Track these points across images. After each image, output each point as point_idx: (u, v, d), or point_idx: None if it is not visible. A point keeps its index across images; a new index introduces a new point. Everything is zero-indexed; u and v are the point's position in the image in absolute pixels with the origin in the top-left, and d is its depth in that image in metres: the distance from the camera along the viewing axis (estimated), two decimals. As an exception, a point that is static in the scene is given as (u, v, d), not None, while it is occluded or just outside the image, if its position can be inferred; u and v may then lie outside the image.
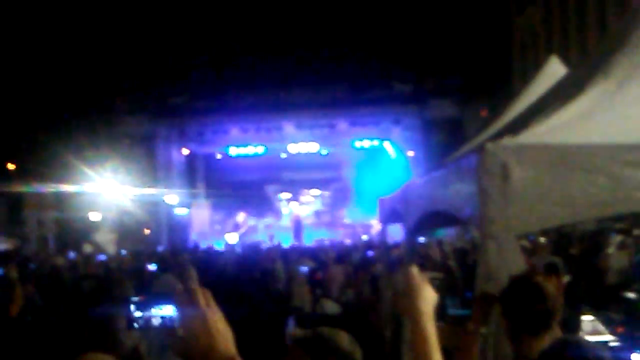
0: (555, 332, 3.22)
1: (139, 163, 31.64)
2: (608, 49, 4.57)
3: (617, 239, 13.22)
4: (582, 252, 12.86)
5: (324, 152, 32.76)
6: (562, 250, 12.97)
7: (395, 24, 35.12)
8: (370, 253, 13.57)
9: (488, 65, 32.85)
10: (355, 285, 9.37)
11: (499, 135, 4.35)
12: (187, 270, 8.33)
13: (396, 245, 11.20)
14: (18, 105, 33.86)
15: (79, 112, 33.72)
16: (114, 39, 35.04)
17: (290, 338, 2.50)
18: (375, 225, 26.17)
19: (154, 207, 31.87)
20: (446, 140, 29.15)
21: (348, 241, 25.36)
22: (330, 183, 35.04)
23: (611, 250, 12.11)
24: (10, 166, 34.07)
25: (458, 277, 10.01)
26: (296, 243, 26.78)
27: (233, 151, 33.07)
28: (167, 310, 1.87)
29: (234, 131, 32.44)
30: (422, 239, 14.69)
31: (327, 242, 23.57)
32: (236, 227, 31.89)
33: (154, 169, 32.62)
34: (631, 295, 8.71)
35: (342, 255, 13.71)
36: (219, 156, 33.91)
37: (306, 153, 32.49)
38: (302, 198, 35.00)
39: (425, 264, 10.62)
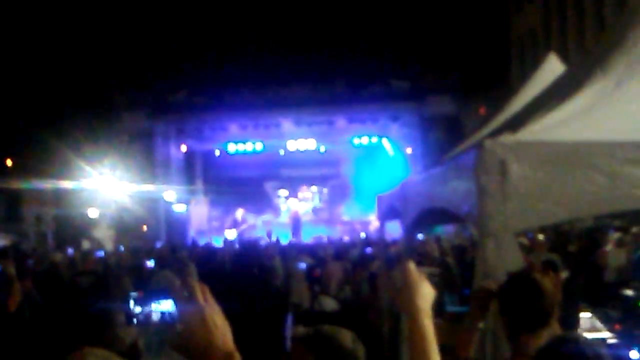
0: (554, 329, 3.23)
1: (137, 159, 31.60)
2: (606, 47, 4.57)
3: (615, 236, 13.24)
4: (580, 249, 12.88)
5: (323, 149, 32.74)
6: (560, 248, 12.98)
7: (394, 22, 35.13)
8: (368, 250, 13.57)
9: (486, 62, 32.87)
10: (353, 282, 9.37)
11: (497, 132, 4.36)
12: (186, 267, 8.34)
13: (394, 242, 11.21)
14: (16, 101, 33.83)
15: (77, 108, 33.67)
16: (112, 35, 35.01)
17: (292, 336, 2.50)
18: (374, 222, 26.20)
19: (153, 204, 31.84)
20: (444, 138, 29.13)
21: (346, 238, 25.35)
22: (328, 180, 35.01)
23: (609, 247, 12.12)
24: (9, 162, 34.05)
25: (456, 273, 10.02)
26: (294, 240, 26.76)
27: (231, 148, 33.05)
28: (166, 306, 1.87)
29: (233, 128, 32.39)
30: (420, 236, 14.69)
31: (325, 239, 23.54)
32: (235, 224, 31.87)
33: (152, 166, 32.59)
34: (629, 292, 8.72)
35: (341, 252, 13.71)
36: (217, 153, 33.88)
37: (304, 150, 32.47)
38: (301, 195, 34.97)
39: (423, 261, 10.63)
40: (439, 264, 10.91)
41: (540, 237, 11.68)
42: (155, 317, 1.88)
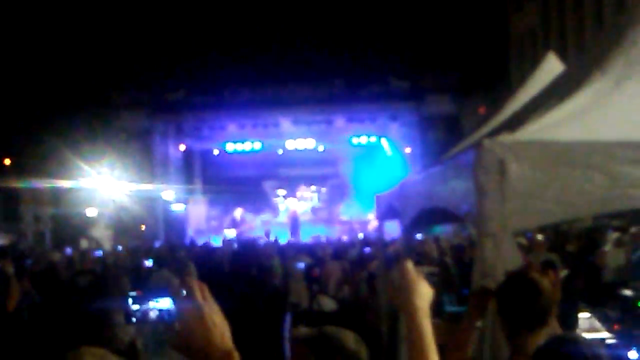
0: (554, 329, 3.22)
1: (136, 159, 31.62)
2: (605, 46, 4.57)
3: (613, 236, 13.24)
4: (578, 249, 12.89)
5: (321, 148, 32.75)
6: (558, 248, 12.99)
7: (393, 21, 35.15)
8: (367, 250, 13.57)
9: (485, 61, 32.89)
10: (352, 281, 9.38)
11: (496, 132, 4.35)
12: (186, 266, 8.34)
13: (393, 242, 11.20)
14: (14, 100, 33.81)
15: (75, 107, 33.68)
16: (111, 34, 35.00)
17: (294, 336, 2.50)
18: (372, 221, 26.17)
19: (151, 203, 31.84)
20: (443, 137, 29.17)
21: (345, 238, 25.34)
22: (327, 179, 34.99)
23: (608, 247, 12.13)
24: (7, 161, 34.02)
25: (454, 273, 10.03)
26: (293, 239, 26.75)
27: (230, 147, 33.06)
28: (164, 304, 1.87)
29: (231, 127, 32.41)
30: (419, 236, 14.70)
31: (323, 239, 23.51)
32: (234, 223, 31.85)
33: (150, 165, 32.59)
34: (628, 292, 8.73)
35: (339, 251, 13.71)
36: (216, 152, 33.87)
37: (303, 149, 32.49)
38: (299, 194, 34.95)
39: (422, 261, 10.63)
40: (438, 263, 10.92)
41: (540, 237, 11.68)
42: (153, 315, 1.88)
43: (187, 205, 33.18)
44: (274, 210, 34.97)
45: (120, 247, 21.38)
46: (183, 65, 36.06)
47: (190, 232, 31.80)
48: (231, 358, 1.71)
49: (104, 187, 30.10)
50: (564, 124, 3.89)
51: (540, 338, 2.94)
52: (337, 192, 34.42)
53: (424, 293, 2.37)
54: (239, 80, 34.04)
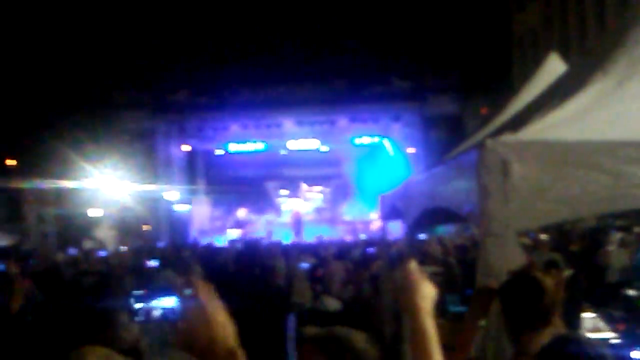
0: (559, 328, 3.22)
1: (139, 159, 31.65)
2: (608, 46, 4.57)
3: (617, 236, 13.21)
4: (582, 249, 12.86)
5: (324, 148, 32.75)
6: (562, 248, 12.97)
7: (395, 21, 35.13)
8: (370, 250, 13.57)
9: (488, 62, 32.86)
10: (355, 281, 9.36)
11: (499, 131, 4.35)
12: (190, 266, 8.34)
13: (396, 242, 11.19)
14: (18, 101, 33.86)
15: (79, 108, 33.71)
16: (113, 34, 35.03)
17: (303, 336, 2.49)
18: (376, 221, 26.17)
19: (154, 204, 31.88)
20: (446, 137, 29.15)
21: (349, 238, 25.34)
22: (330, 180, 35.02)
23: (612, 247, 12.11)
24: (10, 162, 34.06)
25: (457, 273, 10.02)
26: (296, 240, 26.76)
27: (233, 147, 33.08)
28: (167, 303, 1.88)
29: (234, 127, 32.43)
30: (422, 236, 14.68)
31: (326, 240, 23.50)
32: (238, 224, 31.87)
33: (154, 165, 32.63)
34: (632, 292, 8.72)
35: (343, 251, 13.71)
36: (219, 152, 33.88)
37: (306, 150, 32.49)
38: (302, 194, 34.97)
39: (425, 261, 10.62)
40: (441, 263, 10.91)
41: (543, 237, 11.66)
42: (157, 314, 1.89)
43: (191, 205, 33.21)
44: (277, 210, 34.99)
45: (123, 248, 21.38)
46: (186, 65, 36.09)
47: (193, 232, 31.83)
48: (236, 356, 1.72)
49: (107, 187, 30.12)
50: (566, 123, 3.89)
51: (544, 338, 2.94)
52: (340, 192, 34.44)
53: (427, 293, 2.37)
54: (241, 80, 34.06)
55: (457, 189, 4.23)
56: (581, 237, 14.46)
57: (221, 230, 32.07)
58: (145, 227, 31.88)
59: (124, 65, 34.91)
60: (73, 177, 28.67)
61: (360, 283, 9.00)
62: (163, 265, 11.48)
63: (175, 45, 36.18)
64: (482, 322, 3.50)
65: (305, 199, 34.91)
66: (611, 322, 7.02)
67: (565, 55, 6.51)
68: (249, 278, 10.88)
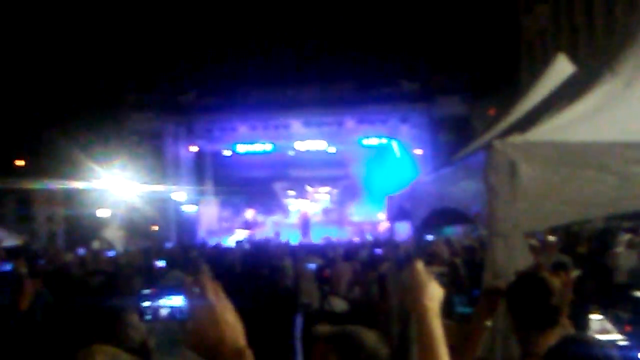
0: (566, 329, 3.22)
1: (147, 160, 31.73)
2: (616, 47, 4.56)
3: (625, 237, 13.16)
4: (590, 251, 12.83)
5: (332, 150, 32.75)
6: (570, 249, 12.93)
7: (404, 23, 35.11)
8: (377, 251, 13.57)
9: (496, 63, 32.80)
10: (362, 282, 9.37)
11: (507, 133, 4.35)
12: (199, 266, 8.35)
13: (404, 243, 11.19)
14: (26, 102, 34.00)
15: (87, 109, 33.83)
16: (122, 36, 35.14)
17: (315, 334, 2.50)
18: (383, 222, 26.15)
19: (163, 204, 31.95)
20: (454, 139, 29.12)
21: (356, 239, 25.35)
22: (338, 181, 35.03)
23: (620, 249, 12.07)
24: (19, 163, 34.22)
25: (463, 274, 10.00)
26: (304, 240, 26.78)
27: (241, 148, 33.13)
28: (176, 302, 1.88)
29: (242, 128, 32.48)
30: (430, 237, 14.67)
31: (334, 240, 23.51)
32: (246, 224, 31.91)
33: (162, 166, 32.71)
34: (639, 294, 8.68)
35: (350, 252, 13.71)
36: (227, 153, 33.92)
37: (314, 151, 32.50)
38: (310, 195, 34.99)
39: (433, 261, 10.61)
40: (448, 264, 10.90)
41: (551, 238, 11.63)
42: (165, 313, 1.89)
43: (199, 206, 33.27)
44: (285, 211, 35.02)
45: (132, 248, 21.43)
46: (194, 67, 36.20)
47: (201, 233, 31.89)
48: (244, 356, 1.71)
49: (116, 188, 30.22)
50: (574, 125, 3.89)
51: (552, 338, 2.94)
52: (348, 193, 34.44)
53: (434, 293, 2.38)
54: (250, 81, 34.16)
55: (465, 190, 4.23)
56: (589, 239, 14.43)
57: (229, 230, 32.12)
58: (153, 228, 31.95)
59: (132, 66, 35.03)
60: (82, 177, 28.77)
61: (368, 284, 9.01)
62: (171, 265, 11.50)
63: (183, 47, 36.29)
64: (489, 323, 3.49)
65: (313, 200, 34.92)
66: (619, 323, 6.98)
67: (574, 57, 6.50)
68: (257, 278, 10.91)
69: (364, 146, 32.60)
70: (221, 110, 33.07)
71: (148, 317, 1.94)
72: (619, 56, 4.25)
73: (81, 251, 18.39)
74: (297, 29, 35.75)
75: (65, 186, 29.54)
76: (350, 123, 31.86)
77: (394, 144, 32.16)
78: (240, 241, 24.02)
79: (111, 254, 17.12)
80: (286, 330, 6.63)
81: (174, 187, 31.87)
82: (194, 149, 33.67)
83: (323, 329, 2.53)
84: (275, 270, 10.51)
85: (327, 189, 35.45)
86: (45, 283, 8.05)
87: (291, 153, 33.22)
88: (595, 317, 6.87)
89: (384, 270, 8.81)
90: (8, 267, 11.36)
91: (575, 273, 8.29)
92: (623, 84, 4.04)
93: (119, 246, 25.25)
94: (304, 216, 31.73)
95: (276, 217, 33.84)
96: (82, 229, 31.13)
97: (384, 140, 32.33)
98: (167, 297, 1.91)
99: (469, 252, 12.61)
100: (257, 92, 33.44)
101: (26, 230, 30.58)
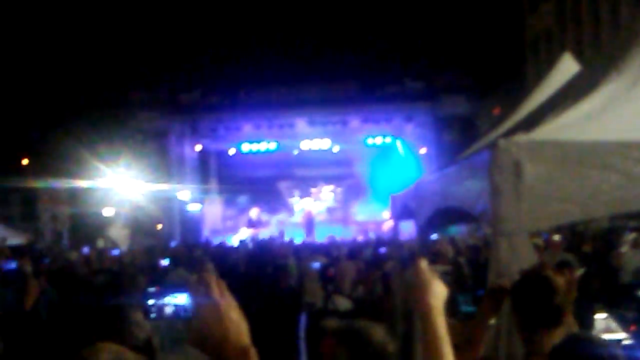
0: (571, 328, 3.21)
1: (152, 159, 31.74)
2: (621, 47, 4.55)
3: (630, 237, 13.15)
4: (595, 250, 12.81)
5: (336, 148, 32.75)
6: (575, 248, 12.92)
7: (408, 22, 35.09)
8: (381, 250, 13.58)
9: (501, 62, 32.77)
10: (366, 281, 9.37)
11: (512, 132, 4.35)
12: (203, 264, 8.37)
13: (408, 242, 11.19)
14: (31, 101, 34.08)
15: (92, 108, 33.90)
16: (126, 35, 35.19)
17: (324, 329, 2.50)
18: (388, 221, 26.13)
19: (167, 203, 31.97)
20: (459, 138, 29.10)
21: (360, 238, 25.33)
22: (342, 180, 34.99)
23: (625, 249, 12.06)
24: (25, 161, 34.30)
25: (467, 273, 10.00)
26: (308, 239, 26.77)
27: (245, 147, 33.12)
28: (180, 300, 1.89)
29: (247, 127, 32.47)
30: (434, 236, 14.67)
31: (338, 239, 23.49)
32: (251, 223, 31.92)
33: (166, 165, 32.71)
34: (644, 294, 8.68)
35: (354, 251, 13.72)
36: (231, 152, 33.91)
37: (318, 150, 32.50)
38: (315, 194, 34.97)
39: (437, 261, 10.61)
40: (452, 263, 10.90)
41: (556, 237, 11.62)
42: (170, 311, 1.90)
43: (203, 205, 33.30)
44: (289, 210, 35.01)
45: (136, 247, 21.47)
46: (199, 65, 36.22)
47: (206, 232, 31.91)
48: (248, 354, 1.71)
49: (120, 187, 30.26)
50: (580, 124, 3.88)
51: (556, 337, 2.93)
52: (353, 192, 34.40)
53: (438, 292, 2.38)
54: (254, 80, 34.16)
55: (470, 189, 4.22)
56: (594, 238, 14.42)
57: (233, 229, 32.13)
58: (157, 227, 32.00)
59: (137, 65, 35.09)
60: (87, 176, 28.83)
61: (372, 283, 9.01)
62: (175, 264, 11.53)
63: (188, 46, 36.33)
64: (492, 321, 3.49)
65: (317, 199, 34.90)
66: (623, 323, 6.99)
67: (579, 56, 6.49)
68: (261, 277, 10.93)
69: (368, 145, 32.57)
70: (225, 109, 33.07)
71: (152, 315, 1.95)
72: (625, 55, 4.24)
73: (86, 250, 18.44)
74: (301, 28, 35.80)
75: (70, 185, 29.60)
76: (354, 122, 31.83)
77: (399, 143, 32.13)
78: (244, 240, 24.04)
79: (115, 252, 17.17)
80: (290, 329, 6.63)
81: (178, 186, 31.89)
82: (198, 147, 33.67)
83: (331, 323, 2.53)
84: (279, 269, 10.53)
85: (331, 187, 35.42)
86: (49, 281, 8.08)
87: (296, 152, 33.21)
88: (600, 316, 6.87)
89: (388, 269, 8.82)
90: (13, 265, 11.41)
91: (579, 272, 8.29)
92: (628, 83, 4.03)
93: (124, 245, 25.30)
94: (308, 215, 31.70)
95: (281, 216, 33.82)
96: (86, 228, 31.20)
97: (389, 139, 32.31)
98: (171, 295, 1.91)
99: (473, 251, 12.63)
100: (261, 91, 33.44)
101: (31, 229, 30.65)
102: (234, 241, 25.90)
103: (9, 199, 34.31)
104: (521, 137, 3.81)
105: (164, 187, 30.61)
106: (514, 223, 3.62)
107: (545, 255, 9.84)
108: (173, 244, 23.07)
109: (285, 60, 35.73)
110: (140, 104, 33.96)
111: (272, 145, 32.61)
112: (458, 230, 19.14)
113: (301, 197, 35.05)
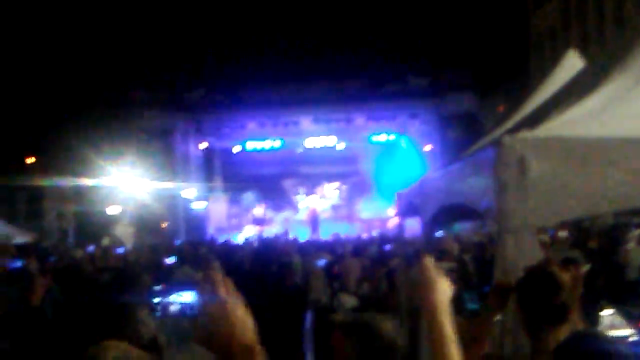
0: (576, 325, 3.21)
1: (157, 157, 31.78)
2: (626, 43, 4.54)
3: (636, 233, 13.12)
4: (600, 246, 12.78)
5: (341, 146, 32.75)
6: (581, 245, 12.90)
7: (413, 19, 35.04)
8: (387, 247, 13.56)
9: (505, 59, 32.72)
10: (371, 278, 9.37)
11: (517, 128, 4.34)
12: (209, 262, 8.37)
13: (413, 239, 11.18)
14: (37, 100, 34.15)
15: (97, 106, 33.96)
16: (131, 33, 35.22)
17: (333, 322, 2.51)
18: (393, 219, 26.10)
19: (172, 201, 32.02)
20: (463, 135, 29.07)
21: (365, 235, 25.33)
22: (347, 177, 35.00)
23: (631, 245, 12.02)
24: (30, 160, 34.37)
25: (471, 270, 10.00)
26: (313, 237, 26.77)
27: (250, 145, 33.15)
28: (186, 298, 1.89)
29: (251, 125, 32.50)
30: (439, 233, 14.65)
31: (343, 237, 23.48)
32: (255, 221, 31.94)
33: (171, 163, 32.73)
34: (650, 290, 8.65)
35: (359, 248, 13.72)
36: (236, 150, 33.94)
37: (323, 147, 32.51)
38: (319, 192, 34.98)
39: (442, 257, 10.60)
40: (457, 260, 10.89)
41: (562, 234, 11.61)
42: (175, 309, 1.91)
43: (208, 203, 33.33)
44: (294, 207, 35.03)
45: (141, 245, 21.50)
46: (203, 64, 36.24)
47: (210, 229, 31.94)
48: (254, 352, 1.71)
49: (125, 185, 30.30)
50: (585, 120, 3.87)
51: (562, 334, 2.93)
52: (357, 189, 34.41)
53: (443, 289, 2.38)
54: (259, 78, 34.15)
55: (474, 185, 4.22)
56: (599, 234, 14.38)
57: (238, 227, 32.16)
58: (162, 225, 32.04)
59: (141, 64, 35.12)
60: (92, 175, 28.88)
61: (377, 280, 9.00)
62: (180, 262, 11.54)
63: (192, 44, 36.35)
64: (497, 317, 3.49)
65: (322, 197, 34.91)
66: (629, 319, 6.97)
67: (584, 52, 6.47)
68: (266, 275, 10.92)
69: (373, 142, 32.58)
70: (230, 107, 33.08)
71: (158, 313, 1.95)
72: (630, 52, 4.23)
73: (91, 248, 18.46)
74: (305, 26, 35.77)
75: (76, 183, 29.66)
76: (359, 119, 31.83)
77: (403, 141, 32.12)
78: (249, 238, 24.04)
79: (121, 250, 17.18)
80: (296, 327, 6.63)
81: (183, 184, 31.93)
82: (203, 146, 33.70)
83: (340, 318, 2.54)
84: (284, 266, 10.52)
85: (336, 185, 35.42)
86: (55, 280, 8.09)
87: (300, 150, 33.22)
88: (606, 313, 6.86)
89: (393, 267, 8.81)
90: (19, 264, 11.43)
91: (585, 268, 8.27)
92: (633, 79, 4.02)
93: (129, 243, 25.34)
94: (313, 212, 31.71)
95: (285, 214, 33.84)
96: (92, 226, 31.25)
97: (393, 137, 32.31)
98: (177, 293, 1.92)
99: (479, 248, 12.61)
100: (265, 89, 33.43)
101: (37, 228, 30.72)
102: (239, 239, 25.92)
103: (14, 197, 34.37)
104: (526, 134, 3.81)
105: (168, 185, 30.65)
106: (519, 220, 3.62)
107: (551, 252, 9.82)
108: (178, 242, 23.09)
109: (289, 57, 35.73)
110: (145, 103, 33.98)
111: (277, 143, 32.64)
112: (463, 227, 19.10)
113: (306, 194, 35.06)
